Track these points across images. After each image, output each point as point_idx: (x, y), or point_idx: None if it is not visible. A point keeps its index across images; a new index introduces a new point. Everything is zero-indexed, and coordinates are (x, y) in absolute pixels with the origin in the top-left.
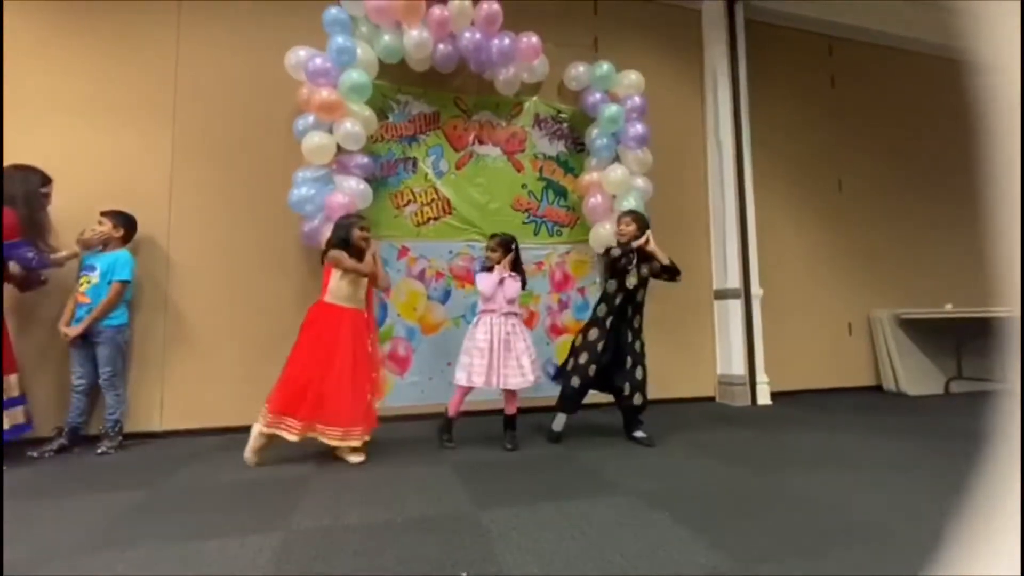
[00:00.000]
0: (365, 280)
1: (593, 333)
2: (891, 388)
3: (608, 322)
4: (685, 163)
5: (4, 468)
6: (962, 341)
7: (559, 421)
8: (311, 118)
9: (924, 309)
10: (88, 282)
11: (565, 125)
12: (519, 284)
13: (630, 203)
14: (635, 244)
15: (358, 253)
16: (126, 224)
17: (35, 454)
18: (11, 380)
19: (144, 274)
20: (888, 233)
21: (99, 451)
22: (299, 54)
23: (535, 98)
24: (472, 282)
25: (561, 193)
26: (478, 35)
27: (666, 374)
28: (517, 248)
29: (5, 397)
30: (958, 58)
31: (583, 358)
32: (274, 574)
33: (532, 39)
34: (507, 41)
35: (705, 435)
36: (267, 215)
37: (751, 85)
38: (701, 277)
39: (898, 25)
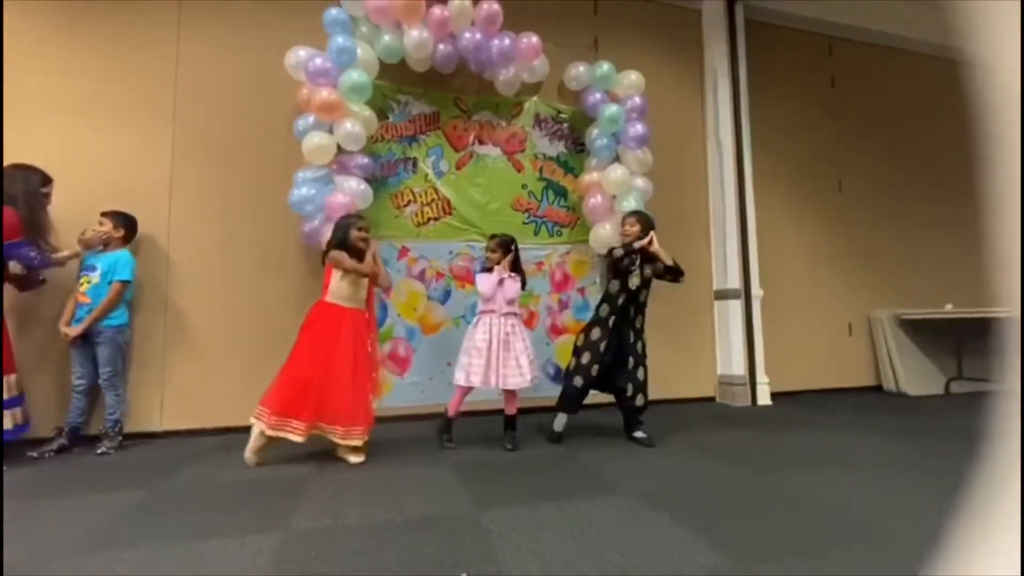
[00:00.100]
0: (366, 280)
1: (595, 333)
2: (891, 388)
3: (610, 322)
4: (685, 163)
5: (4, 468)
6: (962, 341)
7: (560, 421)
8: (311, 118)
9: (924, 309)
10: (88, 282)
11: (565, 125)
12: (519, 284)
13: (630, 203)
14: (637, 245)
15: (358, 253)
16: (126, 224)
17: (35, 454)
18: (10, 380)
19: (144, 274)
20: (888, 233)
21: (99, 451)
22: (299, 54)
23: (535, 98)
24: (472, 282)
25: (561, 193)
26: (478, 35)
27: (666, 374)
28: (516, 248)
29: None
30: (958, 58)
31: (585, 358)
32: (274, 574)
33: (532, 39)
34: (507, 41)
35: (705, 435)
36: (267, 215)
37: (751, 85)
38: (701, 277)
39: (898, 25)
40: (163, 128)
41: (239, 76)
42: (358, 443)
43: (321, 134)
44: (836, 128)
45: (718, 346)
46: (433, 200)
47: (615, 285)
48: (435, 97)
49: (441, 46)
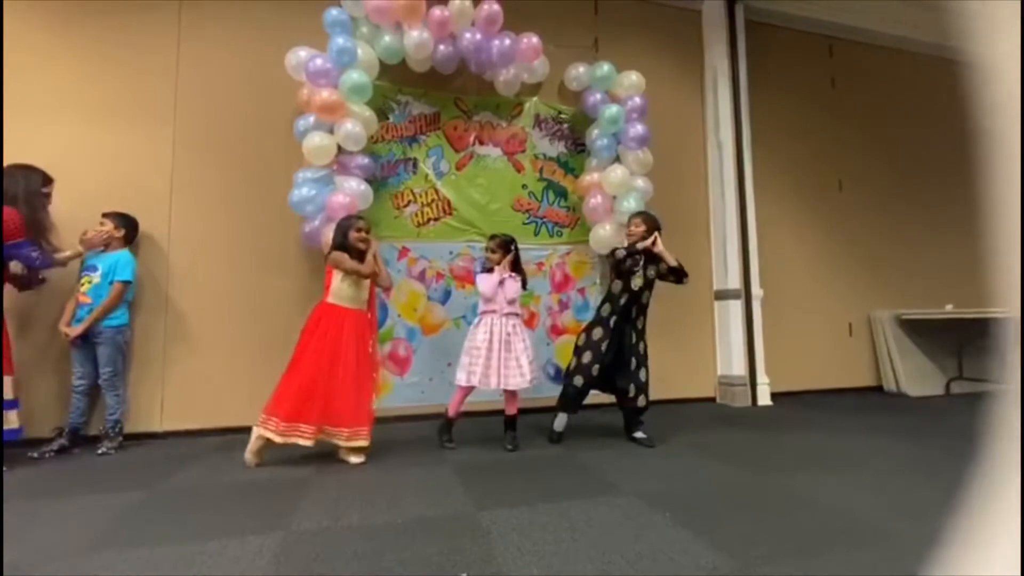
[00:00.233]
0: (367, 281)
1: (597, 332)
2: (892, 389)
3: (612, 322)
4: (685, 163)
5: (4, 468)
6: (963, 342)
7: (560, 421)
8: (312, 119)
9: (925, 309)
10: (89, 282)
11: (565, 126)
12: (519, 284)
13: (630, 204)
14: (640, 246)
15: (358, 254)
16: (127, 225)
17: (35, 455)
18: (7, 382)
19: (144, 274)
20: (889, 233)
21: (99, 451)
22: (299, 55)
23: (535, 99)
24: (472, 283)
25: (561, 194)
26: (478, 36)
27: (667, 375)
28: (517, 248)
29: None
30: (958, 58)
31: (586, 358)
32: (274, 575)
33: (532, 40)
34: (507, 42)
35: (705, 436)
36: (268, 215)
37: (751, 85)
38: (701, 278)
39: (898, 26)
40: (164, 128)
41: (240, 76)
42: (364, 443)
43: (321, 134)
44: (836, 128)
45: (718, 346)
46: (433, 200)
47: (618, 285)
48: (435, 98)
49: (441, 47)
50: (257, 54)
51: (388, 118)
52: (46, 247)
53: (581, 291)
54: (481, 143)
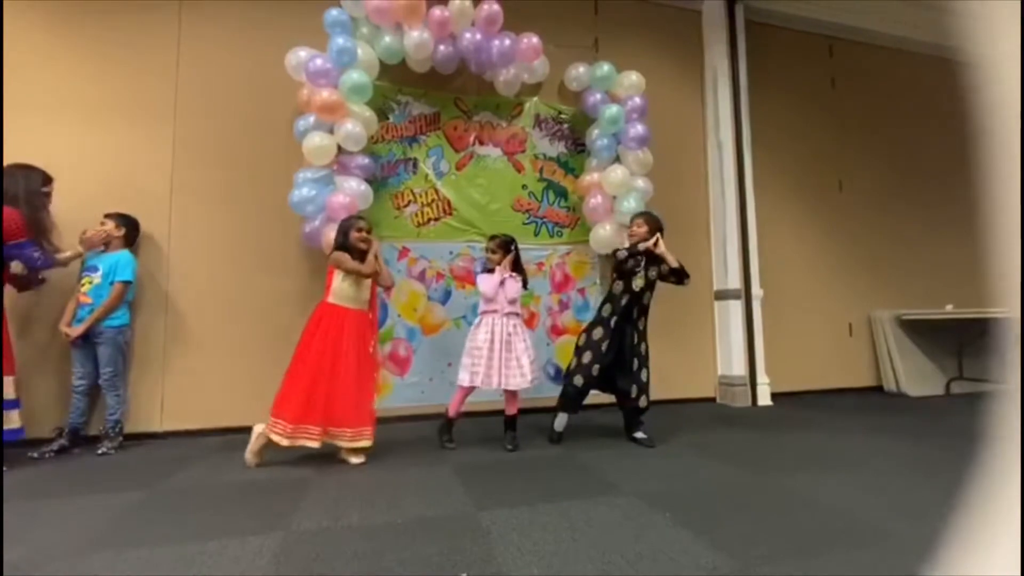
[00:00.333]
0: (368, 281)
1: (597, 333)
2: (892, 389)
3: (612, 322)
4: (685, 164)
5: (4, 469)
6: (963, 342)
7: (560, 421)
8: (312, 119)
9: (925, 310)
10: (90, 283)
11: (565, 126)
12: (520, 284)
13: (630, 204)
14: (642, 246)
15: (360, 254)
16: (128, 225)
17: (35, 455)
18: (8, 382)
19: (144, 274)
20: (889, 234)
21: (99, 452)
22: (299, 55)
23: (535, 99)
24: (472, 283)
25: (561, 194)
26: (478, 36)
27: (667, 375)
28: (517, 248)
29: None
30: (958, 58)
31: (587, 357)
32: (274, 575)
33: (532, 40)
34: (507, 42)
35: (706, 436)
36: (268, 215)
37: (751, 86)
38: (702, 278)
39: (898, 26)
40: (164, 128)
41: (240, 77)
42: (367, 444)
43: (321, 134)
44: (836, 128)
45: (718, 346)
46: (433, 200)
47: (619, 286)
48: (435, 98)
49: (441, 47)
50: (257, 54)
51: (388, 118)
52: (47, 247)
53: (581, 291)
54: (481, 143)
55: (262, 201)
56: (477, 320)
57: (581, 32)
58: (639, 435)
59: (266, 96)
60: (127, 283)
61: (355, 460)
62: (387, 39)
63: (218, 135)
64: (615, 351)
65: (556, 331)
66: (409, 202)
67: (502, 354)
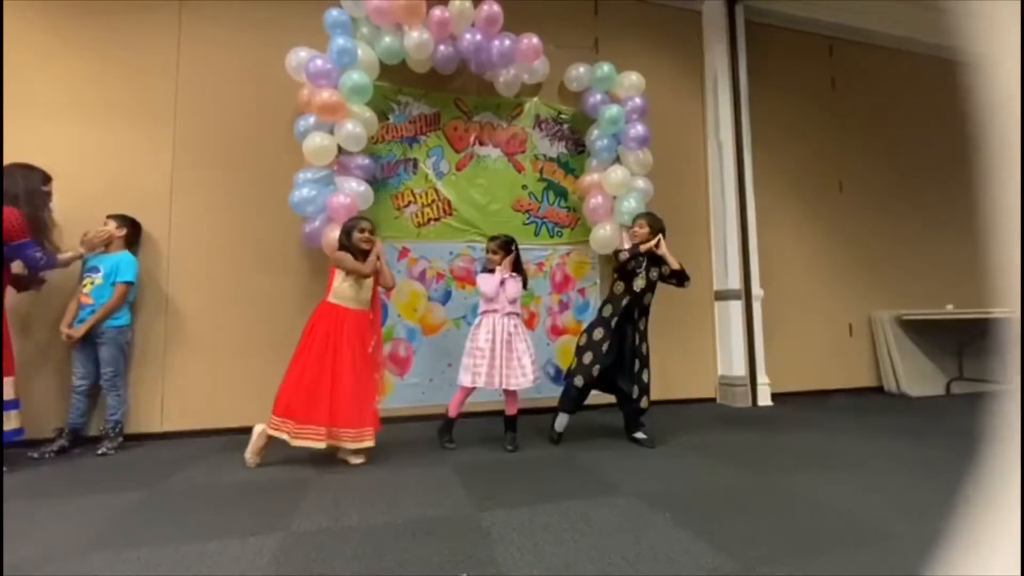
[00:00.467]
0: (369, 281)
1: (598, 333)
2: (892, 389)
3: (613, 323)
4: (686, 164)
5: (5, 469)
6: (963, 342)
7: (561, 421)
8: (312, 119)
9: (925, 310)
10: (92, 284)
11: (566, 126)
12: (520, 284)
13: (631, 204)
14: (643, 247)
15: (363, 255)
16: (128, 225)
17: (36, 455)
18: (8, 383)
19: (144, 274)
20: (889, 234)
21: (99, 452)
22: (300, 55)
23: (535, 99)
24: (473, 283)
25: (562, 194)
26: (479, 36)
27: (667, 375)
28: (517, 249)
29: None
30: (958, 58)
31: (587, 358)
32: (274, 575)
33: (533, 40)
34: (507, 42)
35: (706, 436)
36: (268, 216)
37: (751, 86)
38: (702, 278)
39: (898, 26)
40: (164, 129)
41: (240, 77)
42: (370, 444)
43: (322, 135)
44: (836, 129)
45: (718, 346)
46: (433, 201)
47: (620, 286)
48: (436, 98)
49: (442, 47)
50: (257, 54)
51: (388, 119)
52: (48, 247)
53: (581, 291)
54: (481, 144)
55: (262, 201)
56: (477, 320)
57: (581, 32)
58: (639, 435)
59: (266, 96)
60: (129, 284)
61: (356, 460)
62: (387, 39)
63: (218, 135)
64: (616, 352)
65: (556, 331)
66: (409, 202)
67: (503, 354)
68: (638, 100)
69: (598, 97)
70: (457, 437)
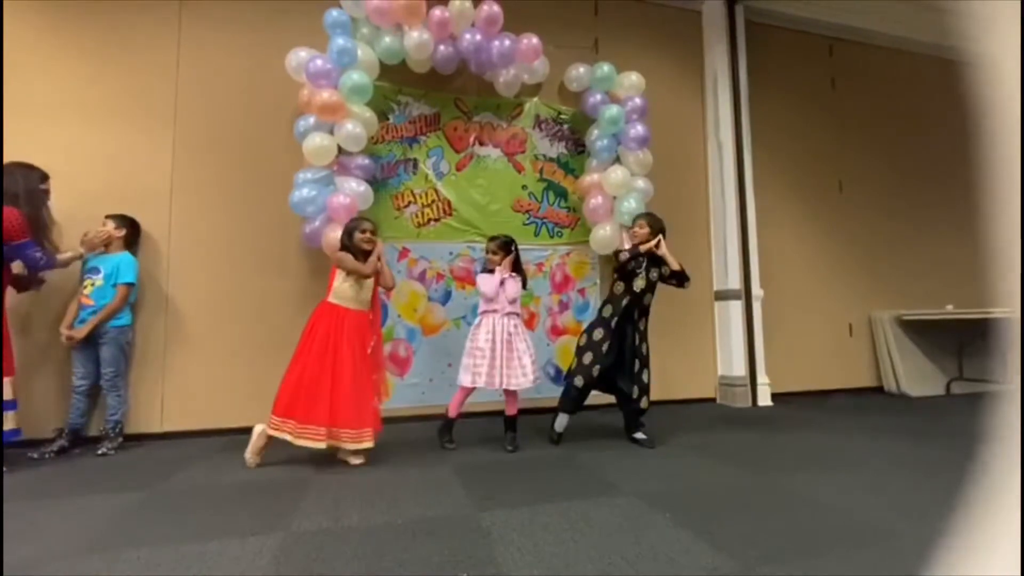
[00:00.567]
0: (370, 281)
1: (598, 333)
2: (892, 389)
3: (613, 323)
4: (686, 164)
5: (5, 469)
6: (963, 342)
7: (561, 421)
8: (312, 119)
9: (925, 310)
10: (92, 284)
11: (566, 126)
12: (520, 284)
13: (631, 204)
14: (644, 248)
15: (364, 255)
16: (128, 226)
17: (36, 455)
18: (7, 384)
19: (144, 274)
20: (889, 234)
21: (99, 452)
22: (300, 55)
23: (535, 99)
24: (473, 283)
25: (562, 194)
26: (478, 36)
27: (667, 375)
28: (517, 249)
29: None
30: (958, 58)
31: (587, 358)
32: (274, 575)
33: (532, 40)
34: (507, 42)
35: (706, 436)
36: (268, 216)
37: (751, 86)
38: (702, 278)
39: (898, 26)
40: (164, 129)
41: (240, 77)
42: (369, 445)
43: (322, 135)
44: (836, 129)
45: (718, 347)
46: (433, 201)
47: (620, 287)
48: (436, 98)
49: (441, 47)
50: (257, 55)
51: (388, 119)
52: (48, 247)
53: (581, 292)
54: (481, 144)
55: (262, 202)
56: (477, 320)
57: (581, 33)
58: (639, 435)
59: (266, 97)
60: (130, 285)
61: (355, 461)
62: (387, 40)
63: (218, 135)
64: (616, 352)
65: (556, 331)
66: (409, 203)
67: (503, 354)
68: (638, 100)
69: (598, 97)
70: (457, 437)
